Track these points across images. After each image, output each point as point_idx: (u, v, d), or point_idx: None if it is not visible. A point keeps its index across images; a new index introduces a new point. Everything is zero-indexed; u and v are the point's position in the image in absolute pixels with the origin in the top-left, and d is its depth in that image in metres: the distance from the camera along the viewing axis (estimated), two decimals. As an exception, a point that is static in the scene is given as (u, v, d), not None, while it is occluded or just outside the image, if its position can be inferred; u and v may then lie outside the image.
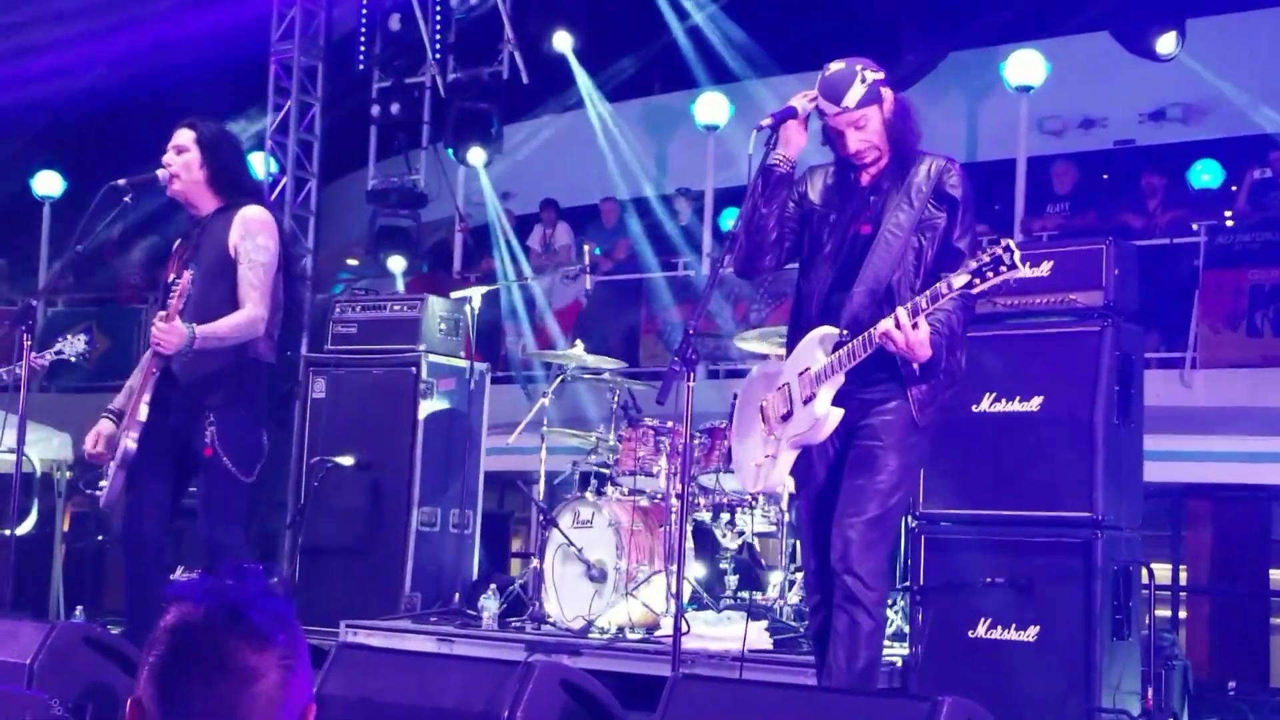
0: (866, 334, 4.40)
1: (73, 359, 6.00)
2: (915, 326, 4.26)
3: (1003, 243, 4.15)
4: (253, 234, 5.42)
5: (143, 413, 5.34)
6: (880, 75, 4.58)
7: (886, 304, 4.43)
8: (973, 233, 4.56)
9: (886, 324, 4.29)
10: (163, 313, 5.25)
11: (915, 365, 4.39)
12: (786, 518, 7.14)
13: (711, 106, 13.55)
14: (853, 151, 4.60)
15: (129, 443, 5.29)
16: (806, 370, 4.55)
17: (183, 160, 5.52)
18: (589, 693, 3.94)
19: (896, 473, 4.49)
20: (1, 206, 15.42)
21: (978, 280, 4.15)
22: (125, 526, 5.51)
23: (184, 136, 5.54)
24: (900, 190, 4.57)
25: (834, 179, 4.74)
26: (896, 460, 4.49)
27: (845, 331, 4.49)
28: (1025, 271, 4.15)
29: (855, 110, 4.54)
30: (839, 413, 4.49)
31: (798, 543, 7.36)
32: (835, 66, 4.59)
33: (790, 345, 4.73)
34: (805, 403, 4.53)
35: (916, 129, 4.65)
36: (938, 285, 4.26)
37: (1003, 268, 4.10)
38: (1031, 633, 5.49)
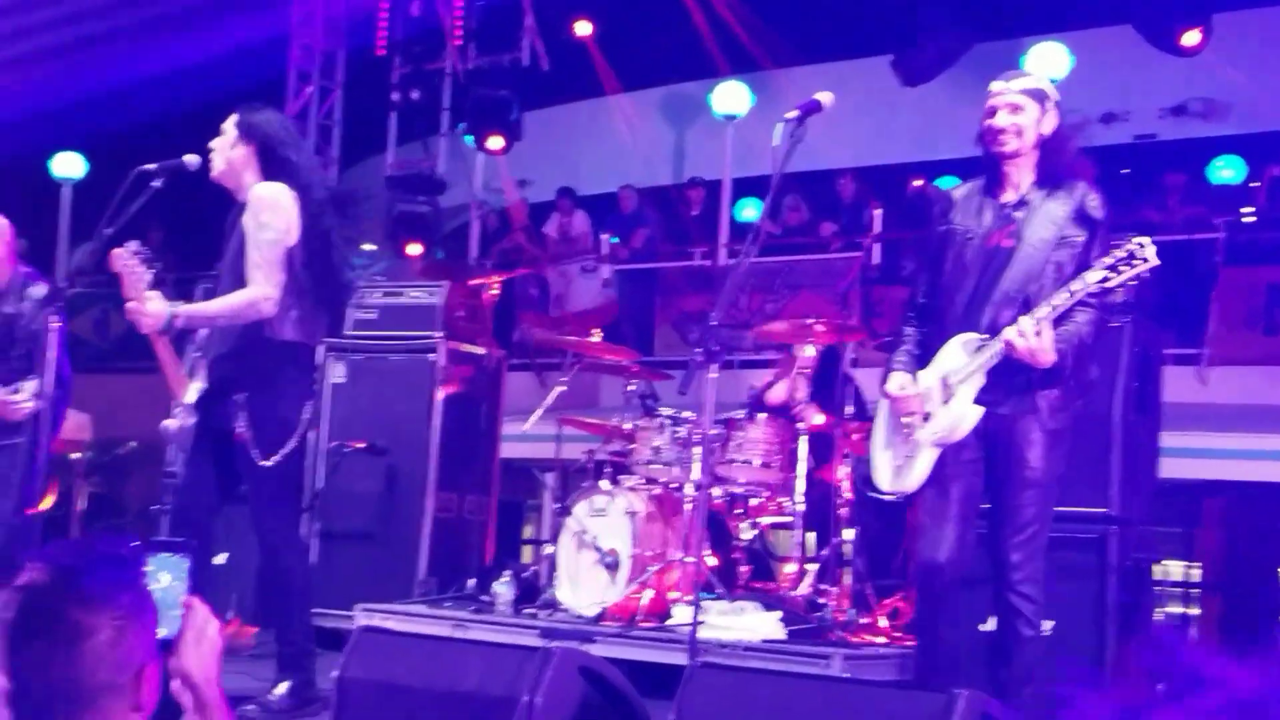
0: (1004, 338, 4.61)
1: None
2: (1039, 334, 4.49)
3: (1135, 239, 4.37)
4: (256, 212, 5.39)
5: (191, 394, 5.42)
6: (1057, 96, 4.85)
7: (1024, 313, 4.61)
8: (1105, 244, 4.69)
9: (1011, 331, 4.54)
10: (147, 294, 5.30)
11: (1041, 371, 4.60)
12: (800, 509, 7.15)
13: (731, 95, 13.54)
14: (997, 127, 4.77)
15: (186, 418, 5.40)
16: (948, 372, 4.78)
17: (221, 144, 5.58)
18: (607, 679, 3.96)
19: (1042, 488, 4.72)
20: (20, 187, 15.46)
21: (1112, 274, 4.38)
22: (181, 506, 5.60)
23: (227, 123, 5.60)
24: (1043, 208, 4.77)
25: (978, 196, 4.94)
26: (1040, 475, 4.71)
27: (985, 337, 4.70)
28: (1155, 261, 4.34)
29: (1017, 94, 4.78)
30: (978, 410, 4.71)
31: (812, 534, 7.40)
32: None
33: (922, 355, 4.94)
34: (944, 403, 4.76)
35: (1072, 155, 4.88)
36: (1071, 284, 4.49)
37: (1136, 261, 4.35)
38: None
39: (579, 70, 14.35)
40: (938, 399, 4.78)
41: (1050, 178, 4.80)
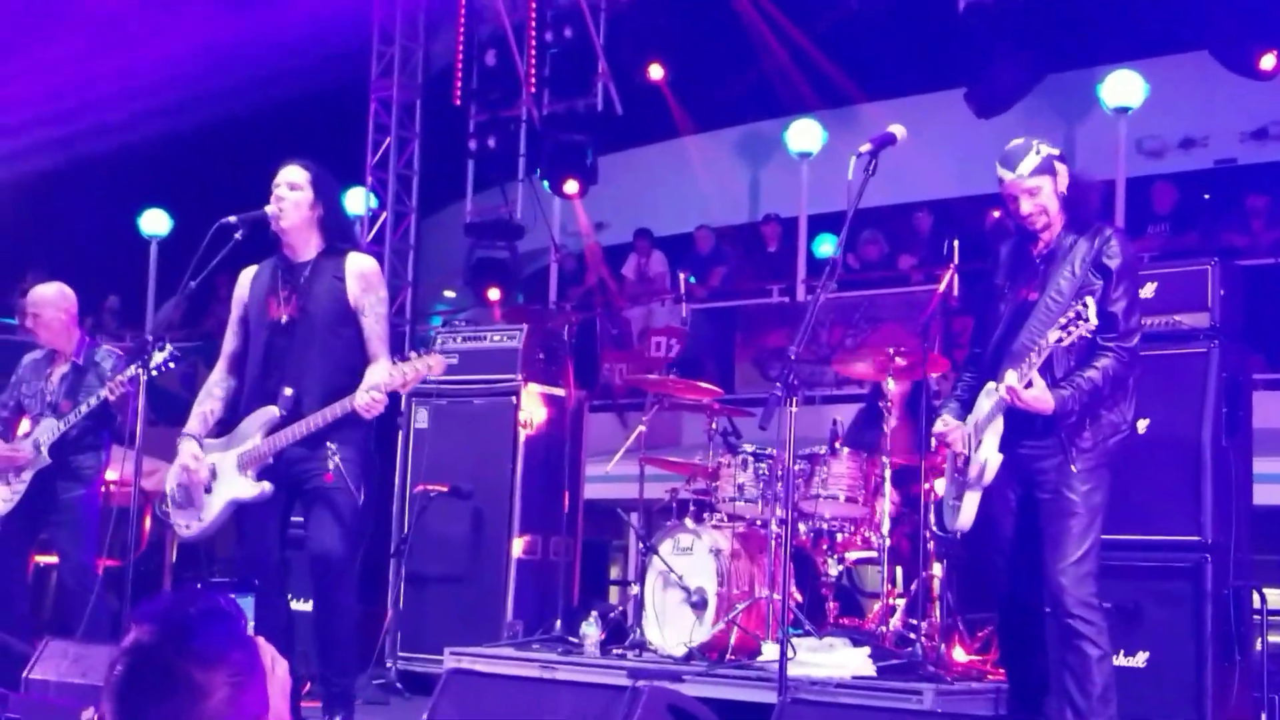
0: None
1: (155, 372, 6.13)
2: (1029, 385, 4.79)
3: (1082, 299, 4.71)
4: (374, 288, 5.65)
5: (257, 448, 5.51)
6: (1056, 152, 5.06)
7: (1041, 365, 4.88)
8: (1129, 297, 4.99)
9: (1005, 382, 4.85)
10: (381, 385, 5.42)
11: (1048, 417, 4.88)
12: (887, 544, 7.11)
13: (805, 133, 13.55)
14: (1024, 215, 5.05)
15: (262, 486, 5.50)
16: (976, 421, 5.10)
17: (294, 198, 5.63)
18: (697, 717, 3.96)
19: (1082, 517, 4.92)
20: (111, 245, 15.76)
21: (1065, 334, 4.70)
22: (248, 556, 5.67)
23: (298, 175, 5.65)
24: (1066, 259, 5.03)
25: (1014, 250, 5.25)
26: (1079, 506, 4.92)
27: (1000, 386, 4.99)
28: (1094, 322, 4.67)
29: (1029, 178, 5.00)
30: (999, 457, 4.99)
31: (900, 568, 7.35)
32: (1015, 141, 5.10)
33: (969, 400, 5.25)
34: (975, 449, 5.07)
35: (1093, 204, 5.13)
36: (1039, 343, 4.82)
37: (1081, 321, 4.65)
38: (1141, 658, 5.44)
39: (653, 113, 14.42)
40: (972, 444, 5.09)
41: (1076, 225, 5.05)
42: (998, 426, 4.99)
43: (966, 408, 5.22)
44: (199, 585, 5.71)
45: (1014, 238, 5.26)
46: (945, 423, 5.27)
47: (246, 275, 5.88)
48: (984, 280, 5.36)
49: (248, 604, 5.21)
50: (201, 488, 5.65)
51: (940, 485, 5.47)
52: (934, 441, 5.56)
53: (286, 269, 5.71)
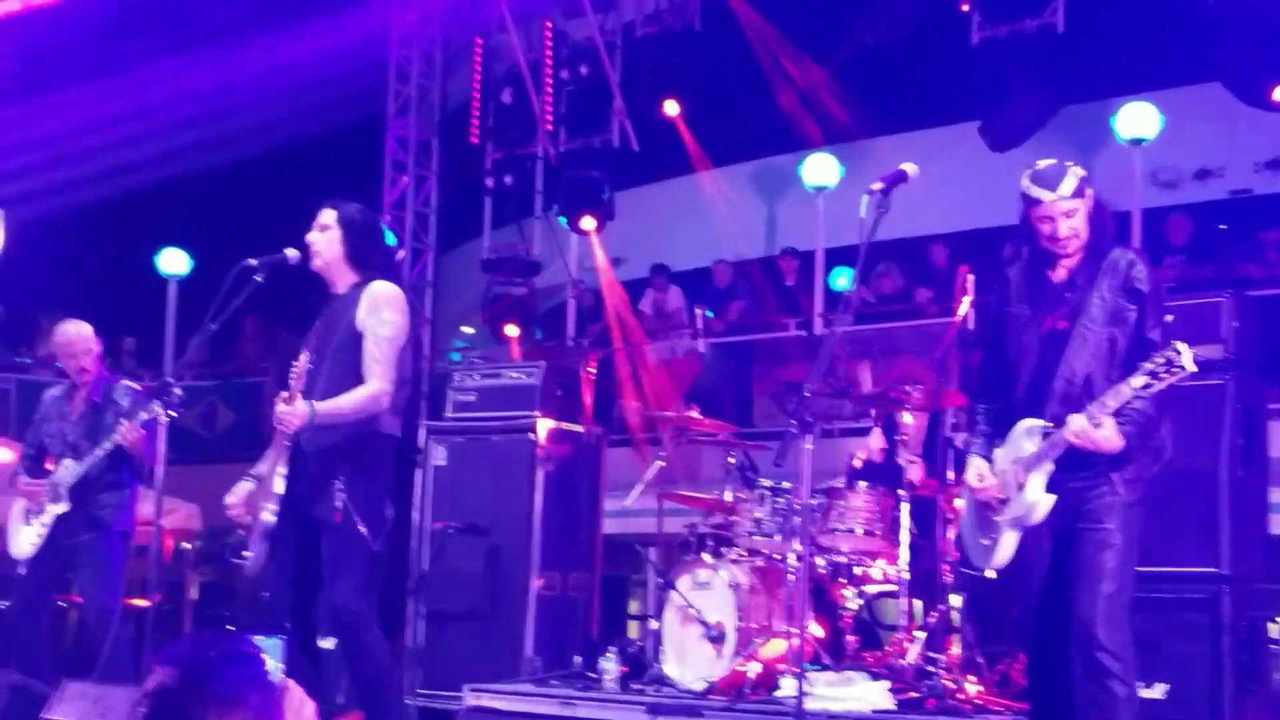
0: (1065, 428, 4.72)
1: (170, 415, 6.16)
2: (1099, 425, 4.61)
3: (1174, 345, 4.45)
4: (379, 309, 5.59)
5: (279, 485, 5.50)
6: (1085, 173, 4.88)
7: (1085, 395, 4.75)
8: (1162, 322, 4.83)
9: (1068, 433, 4.66)
10: (284, 393, 5.41)
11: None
12: (906, 577, 7.11)
13: (821, 167, 13.58)
14: (1061, 239, 4.87)
15: (268, 516, 5.46)
16: (1019, 459, 4.89)
17: (325, 238, 5.72)
18: (714, 752, 3.96)
19: (1120, 550, 4.78)
20: (129, 284, 15.85)
21: (1154, 381, 4.47)
22: (273, 594, 5.69)
23: (327, 216, 5.75)
24: (1094, 285, 4.87)
25: (1026, 275, 5.05)
26: (1118, 538, 4.78)
27: (1050, 424, 4.82)
28: (1192, 368, 4.41)
29: (1070, 199, 4.83)
30: (1051, 498, 4.82)
31: (919, 602, 7.34)
32: (1045, 162, 4.93)
33: (993, 432, 5.07)
34: (1019, 489, 4.87)
35: (1110, 228, 4.98)
36: (1119, 387, 4.58)
37: (1175, 368, 4.41)
38: (1160, 690, 5.43)
39: (669, 148, 14.48)
40: (1013, 484, 4.90)
41: (1096, 251, 4.90)
42: (1047, 468, 4.82)
43: (992, 441, 5.06)
44: (230, 627, 5.72)
45: (1022, 262, 5.07)
46: (978, 468, 5.05)
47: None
48: (996, 307, 5.17)
49: (276, 646, 5.22)
50: (247, 521, 5.69)
51: (965, 524, 5.22)
52: (952, 475, 5.42)
53: (326, 305, 5.79)
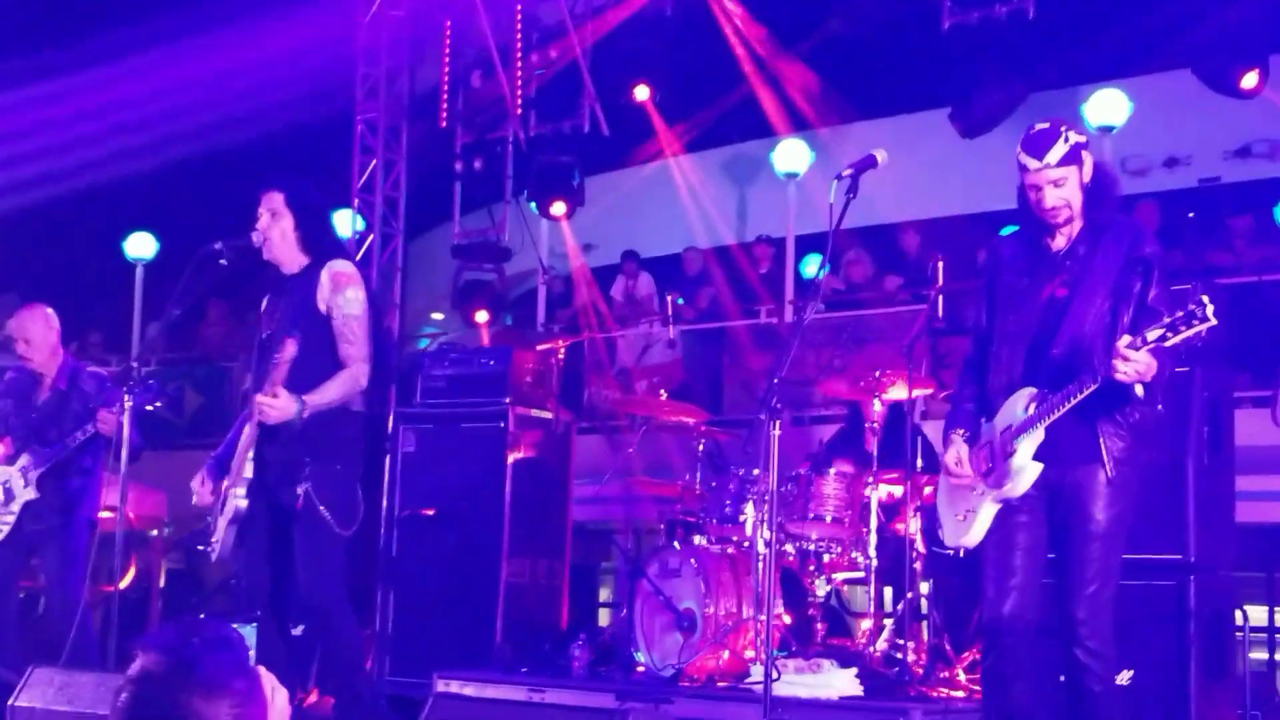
0: (1065, 391, 4.54)
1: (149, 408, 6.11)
2: (1133, 355, 4.32)
3: (1198, 297, 4.21)
4: (342, 288, 5.54)
5: (249, 469, 5.46)
6: (1083, 139, 4.71)
7: (1085, 365, 4.53)
8: (1167, 290, 4.63)
9: (1116, 362, 4.35)
10: (267, 386, 5.32)
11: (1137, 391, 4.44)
12: (874, 564, 7.13)
13: (791, 154, 13.59)
14: (1048, 208, 4.72)
15: (239, 501, 5.43)
16: (1009, 428, 4.71)
17: (277, 224, 5.65)
18: (682, 741, 3.96)
19: (1108, 539, 4.63)
20: (96, 269, 15.75)
21: (1170, 334, 4.23)
22: (248, 584, 5.66)
23: (275, 200, 5.67)
24: (1095, 254, 4.70)
25: (1024, 245, 4.90)
26: (1105, 525, 4.62)
27: (1047, 391, 4.62)
28: (1213, 321, 4.19)
29: (1057, 168, 4.66)
30: (1038, 466, 4.64)
31: (888, 589, 7.37)
32: (1040, 125, 4.75)
33: (979, 410, 4.91)
34: (1006, 458, 4.69)
35: (1115, 195, 4.79)
36: (1134, 339, 4.32)
37: (1195, 321, 4.18)
38: (1125, 676, 5.44)
39: (639, 134, 14.46)
40: (1000, 453, 4.74)
41: (1097, 220, 4.74)
42: (1037, 435, 4.62)
43: (978, 420, 4.88)
44: (202, 615, 5.69)
45: (1017, 234, 4.94)
46: (957, 453, 4.86)
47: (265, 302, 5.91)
48: (988, 284, 4.97)
49: (250, 633, 5.19)
50: (218, 511, 5.65)
51: (941, 500, 5.04)
52: (920, 463, 5.24)
53: (276, 287, 5.74)
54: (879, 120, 14.06)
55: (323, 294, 5.55)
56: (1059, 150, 4.65)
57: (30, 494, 7.11)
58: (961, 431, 4.90)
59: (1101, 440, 4.60)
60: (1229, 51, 10.73)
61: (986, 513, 4.78)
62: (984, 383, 4.90)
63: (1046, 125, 4.72)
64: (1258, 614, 8.20)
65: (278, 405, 5.30)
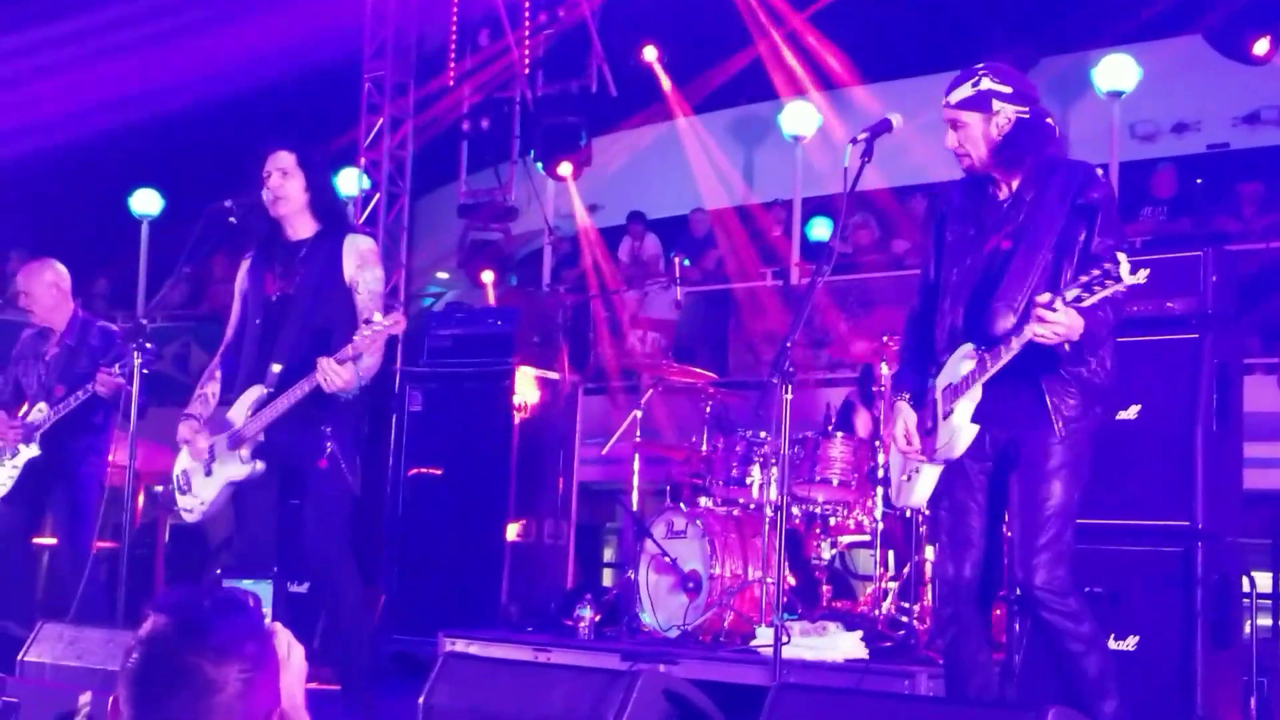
0: (1001, 346, 4.39)
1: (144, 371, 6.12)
2: (1050, 315, 4.19)
3: (1115, 255, 4.10)
4: (370, 264, 5.64)
5: (253, 428, 5.50)
6: (1004, 89, 4.54)
7: (1024, 319, 4.36)
8: (1113, 235, 4.45)
9: (1033, 327, 4.23)
10: (339, 352, 5.33)
11: (1065, 349, 4.31)
12: (880, 527, 7.14)
13: (799, 116, 13.54)
14: (950, 148, 4.63)
15: (256, 465, 5.48)
16: (949, 386, 4.57)
17: (287, 184, 5.66)
18: (692, 702, 3.98)
19: (1060, 492, 4.46)
20: (101, 225, 15.72)
21: (1085, 294, 4.09)
22: (244, 545, 5.69)
23: (286, 160, 5.67)
24: (1041, 202, 4.53)
25: (971, 193, 4.74)
26: (1057, 479, 4.46)
27: (984, 348, 4.47)
28: (1130, 280, 4.05)
29: (955, 108, 4.58)
30: (972, 430, 4.51)
31: (892, 552, 7.38)
32: (976, 68, 4.62)
33: (916, 362, 4.78)
34: (945, 417, 4.56)
35: (1043, 145, 4.59)
36: (1052, 297, 4.19)
37: (1109, 281, 4.05)
38: (1131, 642, 5.46)
39: (647, 95, 14.41)
40: (940, 412, 4.60)
41: (1039, 169, 4.56)
42: (975, 394, 4.47)
43: (919, 379, 4.71)
44: (219, 572, 5.71)
45: (965, 180, 4.76)
46: (906, 427, 4.67)
47: (246, 262, 5.90)
48: (939, 231, 4.80)
49: (266, 589, 5.21)
50: (202, 470, 5.67)
51: (892, 460, 4.90)
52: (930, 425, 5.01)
53: (283, 248, 5.74)
54: (887, 83, 13.99)
55: (349, 267, 5.60)
56: (962, 92, 4.57)
57: (34, 450, 7.12)
58: (906, 395, 4.73)
59: (1048, 399, 4.44)
60: (1241, 17, 10.69)
61: (929, 474, 4.66)
62: (930, 337, 4.75)
63: (978, 67, 4.61)
64: (1264, 581, 8.24)
65: (345, 375, 5.33)
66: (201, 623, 2.14)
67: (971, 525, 4.63)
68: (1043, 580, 4.41)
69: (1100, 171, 4.62)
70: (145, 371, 6.00)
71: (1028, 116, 4.56)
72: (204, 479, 5.66)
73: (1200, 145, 13.80)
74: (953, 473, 4.65)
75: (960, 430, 4.51)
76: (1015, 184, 4.61)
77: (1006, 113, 4.55)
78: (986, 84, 4.54)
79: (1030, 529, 4.45)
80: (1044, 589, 4.41)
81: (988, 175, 4.64)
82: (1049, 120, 4.65)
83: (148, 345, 6.05)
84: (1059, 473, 4.46)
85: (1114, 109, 11.93)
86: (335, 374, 5.31)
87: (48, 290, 7.28)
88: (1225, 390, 5.58)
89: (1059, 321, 4.17)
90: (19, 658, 5.45)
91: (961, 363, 4.54)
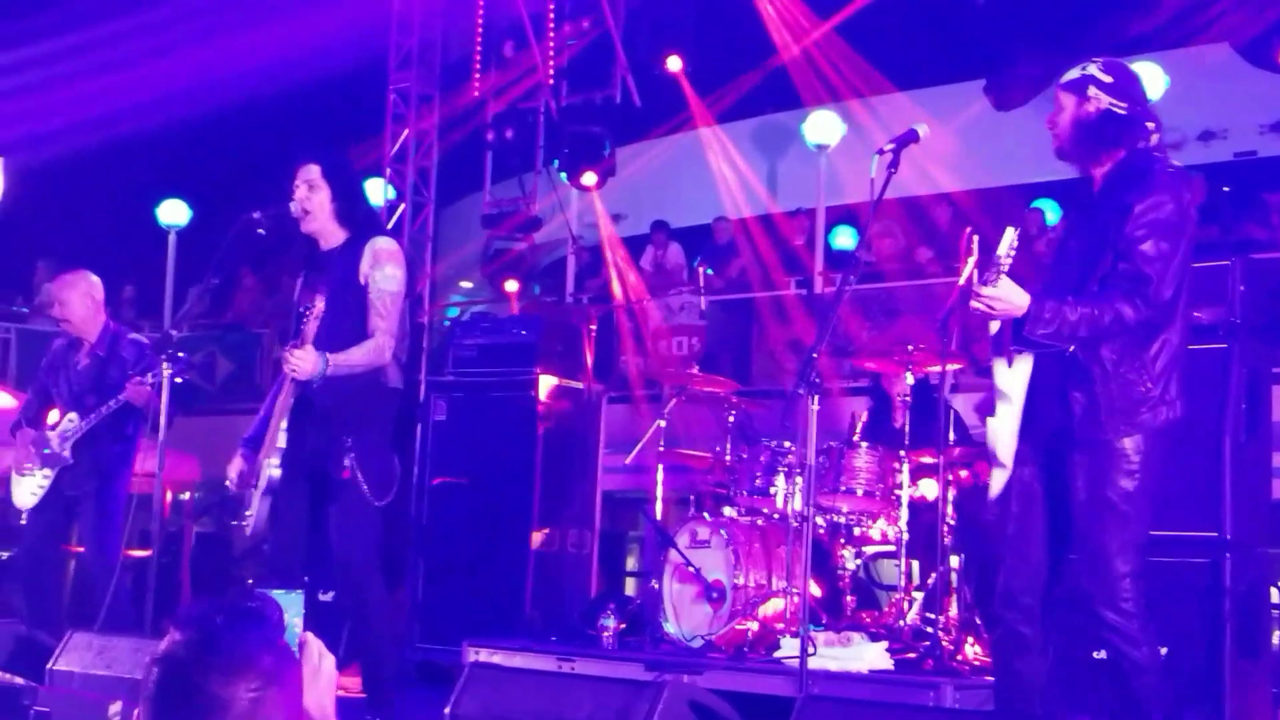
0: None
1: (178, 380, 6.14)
2: (986, 287, 4.28)
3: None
4: (382, 263, 5.59)
5: (282, 439, 5.49)
6: (1106, 79, 4.59)
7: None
8: (1154, 235, 4.39)
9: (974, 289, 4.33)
10: (295, 340, 5.40)
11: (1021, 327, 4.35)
12: (905, 537, 7.11)
13: (823, 125, 13.52)
14: (1046, 125, 4.69)
15: (273, 470, 5.46)
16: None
17: (315, 196, 5.68)
18: (717, 712, 3.97)
19: (1114, 510, 4.40)
20: (128, 235, 15.79)
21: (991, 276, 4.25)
22: (274, 553, 5.69)
23: (312, 172, 5.69)
24: (1110, 200, 4.53)
25: (1080, 189, 4.78)
26: (1112, 497, 4.40)
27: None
28: (1004, 252, 4.18)
29: (1059, 88, 4.66)
30: (1011, 433, 4.50)
31: (916, 563, 7.35)
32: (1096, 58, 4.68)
33: None
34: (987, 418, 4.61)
35: (1126, 142, 4.59)
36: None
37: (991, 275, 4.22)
38: (1160, 652, 5.43)
39: (671, 104, 14.42)
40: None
41: (1122, 165, 4.57)
42: (1011, 400, 4.49)
43: None
44: (250, 581, 5.73)
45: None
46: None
47: (299, 282, 5.94)
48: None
49: (298, 599, 5.21)
50: (251, 484, 5.69)
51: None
52: (953, 436, 5.02)
53: (316, 260, 5.77)
54: (912, 92, 13.97)
55: (364, 266, 5.60)
56: (1070, 74, 4.64)
57: (65, 459, 7.16)
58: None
59: (1072, 407, 4.45)
60: (1267, 25, 10.65)
61: (1000, 474, 4.63)
62: None
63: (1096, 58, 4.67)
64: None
65: (306, 359, 5.35)
66: (213, 640, 2.14)
67: (1031, 536, 4.61)
68: (1099, 595, 4.39)
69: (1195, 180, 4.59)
70: (178, 380, 6.03)
71: (1122, 113, 4.58)
72: (253, 492, 5.68)
73: (1227, 153, 13.75)
74: (1024, 482, 4.63)
75: (999, 434, 4.53)
76: (1100, 179, 4.63)
77: (1099, 101, 4.59)
78: (1091, 70, 4.61)
79: (1083, 543, 4.44)
80: (1101, 601, 4.39)
81: (1082, 169, 4.66)
82: (1149, 125, 4.65)
83: (179, 355, 6.08)
84: (1106, 483, 4.41)
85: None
86: (292, 364, 5.38)
87: (82, 301, 7.32)
88: (1254, 400, 5.56)
89: (987, 296, 4.29)
90: (48, 667, 5.48)
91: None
